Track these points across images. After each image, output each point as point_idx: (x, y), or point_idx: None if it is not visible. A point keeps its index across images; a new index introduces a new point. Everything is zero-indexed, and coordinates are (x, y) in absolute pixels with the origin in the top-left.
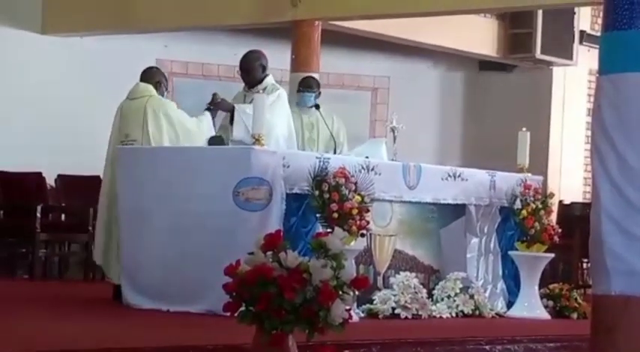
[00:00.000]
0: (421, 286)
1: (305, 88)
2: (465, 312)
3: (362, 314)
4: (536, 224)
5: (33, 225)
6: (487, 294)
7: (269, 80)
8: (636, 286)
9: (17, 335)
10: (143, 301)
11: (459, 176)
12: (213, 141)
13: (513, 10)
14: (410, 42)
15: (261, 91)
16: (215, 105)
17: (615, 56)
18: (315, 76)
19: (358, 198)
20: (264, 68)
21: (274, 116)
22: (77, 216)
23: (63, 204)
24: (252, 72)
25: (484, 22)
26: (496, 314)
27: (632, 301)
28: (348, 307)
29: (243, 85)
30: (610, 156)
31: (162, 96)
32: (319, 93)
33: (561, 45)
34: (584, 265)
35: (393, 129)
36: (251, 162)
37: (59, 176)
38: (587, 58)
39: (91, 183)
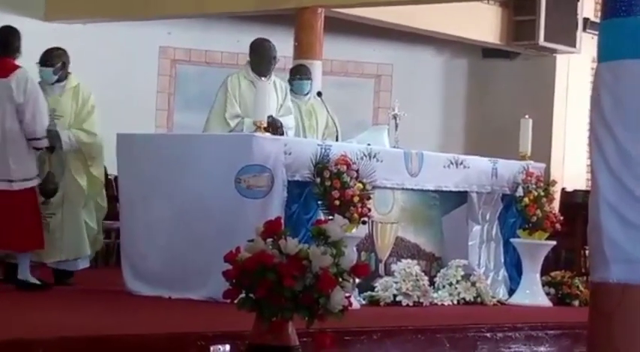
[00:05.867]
0: (423, 273)
1: (302, 75)
2: (467, 300)
3: (363, 302)
4: (538, 211)
5: None
6: (489, 282)
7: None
8: (633, 274)
9: (20, 323)
10: (144, 288)
11: (461, 163)
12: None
13: None
14: (413, 29)
15: (270, 81)
16: None
17: (614, 43)
18: (318, 63)
19: (360, 185)
20: (275, 60)
21: (287, 115)
22: None
23: None
24: (269, 62)
25: (487, 9)
26: (497, 301)
27: (630, 288)
28: (347, 294)
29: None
30: (608, 144)
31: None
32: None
33: (565, 32)
34: (586, 253)
35: (395, 117)
36: (253, 150)
37: None
38: (590, 45)
39: None
